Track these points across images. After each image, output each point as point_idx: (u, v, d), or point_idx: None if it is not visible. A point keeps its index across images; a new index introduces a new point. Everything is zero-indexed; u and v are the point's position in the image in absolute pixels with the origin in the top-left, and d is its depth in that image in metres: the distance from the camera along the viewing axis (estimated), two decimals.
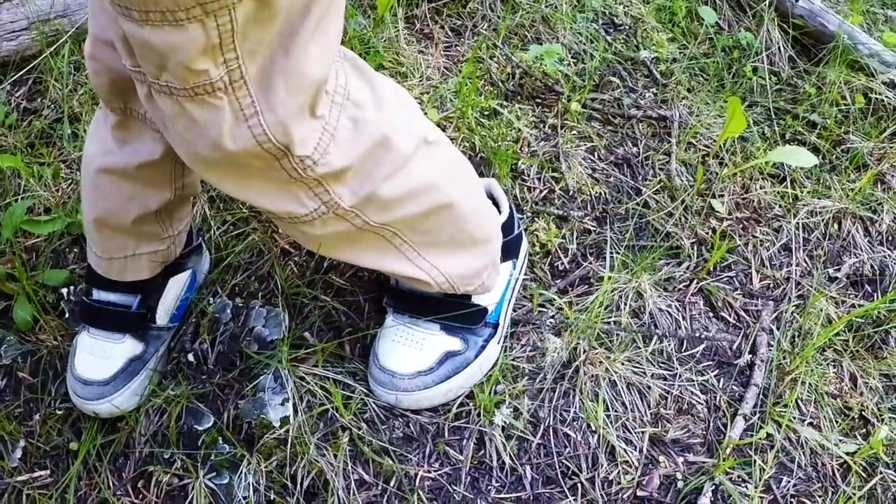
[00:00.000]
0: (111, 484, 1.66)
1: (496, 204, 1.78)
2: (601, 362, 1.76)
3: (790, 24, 2.44)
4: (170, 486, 1.65)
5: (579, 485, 1.66)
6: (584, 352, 1.76)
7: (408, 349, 1.68)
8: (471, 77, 2.12)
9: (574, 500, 1.64)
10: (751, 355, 1.87)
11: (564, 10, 2.36)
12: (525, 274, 1.86)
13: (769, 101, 2.29)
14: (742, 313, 1.93)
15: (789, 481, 1.74)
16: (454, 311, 1.68)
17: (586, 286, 1.90)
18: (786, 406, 1.79)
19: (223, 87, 1.14)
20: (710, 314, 1.92)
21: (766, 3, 2.43)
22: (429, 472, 1.64)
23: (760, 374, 1.83)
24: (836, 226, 2.11)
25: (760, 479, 1.71)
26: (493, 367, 1.73)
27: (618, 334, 1.81)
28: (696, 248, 1.98)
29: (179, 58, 1.09)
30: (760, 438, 1.76)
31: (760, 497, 1.71)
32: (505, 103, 2.16)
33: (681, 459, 1.73)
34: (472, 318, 1.70)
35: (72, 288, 1.84)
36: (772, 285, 1.99)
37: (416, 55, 2.22)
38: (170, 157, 1.54)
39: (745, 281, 1.98)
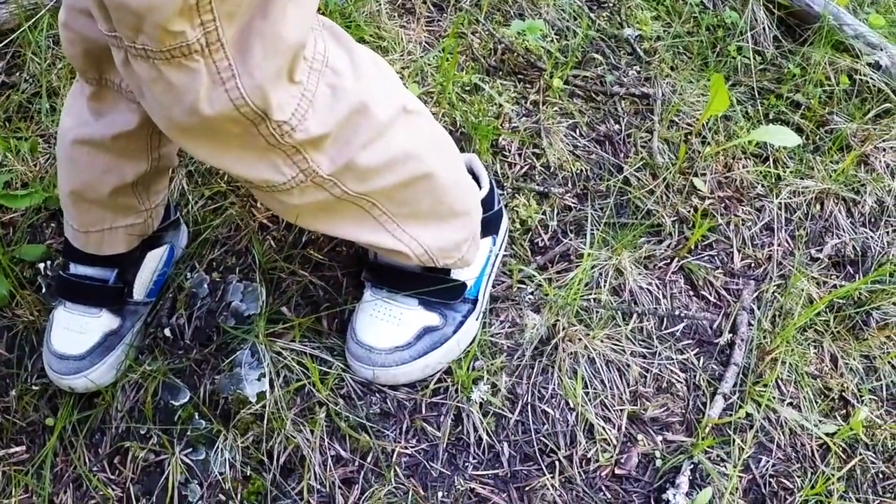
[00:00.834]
0: (87, 460, 1.66)
1: (476, 179, 1.77)
2: (580, 339, 1.75)
3: (775, 4, 2.43)
4: (146, 462, 1.64)
5: (557, 462, 1.66)
6: (564, 329, 1.75)
7: (385, 324, 1.67)
8: (452, 52, 2.11)
9: (552, 477, 1.64)
10: (731, 334, 1.86)
11: None
12: (505, 250, 1.86)
13: (753, 81, 2.29)
14: (723, 292, 1.92)
15: (768, 461, 1.75)
16: (433, 286, 1.67)
17: (566, 263, 1.89)
18: (766, 386, 1.79)
19: (200, 50, 1.13)
20: (691, 292, 1.91)
21: None
22: (406, 448, 1.64)
23: (740, 353, 1.83)
24: (818, 206, 2.11)
25: (739, 459, 1.71)
26: (471, 343, 1.72)
27: (597, 311, 1.80)
28: (677, 227, 1.98)
29: (156, 19, 1.08)
30: (740, 418, 1.76)
31: (739, 476, 1.71)
32: (486, 79, 2.15)
33: (659, 438, 1.72)
34: (450, 294, 1.69)
35: (49, 262, 1.83)
36: (753, 265, 1.98)
37: (397, 30, 2.21)
38: (146, 127, 1.53)
39: (726, 260, 1.98)
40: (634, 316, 1.83)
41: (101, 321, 1.71)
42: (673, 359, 1.80)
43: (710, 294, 1.92)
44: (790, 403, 1.80)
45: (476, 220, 1.68)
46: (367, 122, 1.36)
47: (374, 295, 1.70)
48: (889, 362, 1.91)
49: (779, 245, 2.02)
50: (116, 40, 1.17)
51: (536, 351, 1.74)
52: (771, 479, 1.73)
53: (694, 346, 1.84)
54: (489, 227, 1.76)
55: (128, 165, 1.59)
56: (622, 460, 1.69)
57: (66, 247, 1.71)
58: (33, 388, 1.72)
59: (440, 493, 1.61)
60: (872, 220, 2.13)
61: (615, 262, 1.87)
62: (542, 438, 1.67)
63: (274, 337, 1.70)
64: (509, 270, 1.84)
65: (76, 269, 1.72)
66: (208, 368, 1.69)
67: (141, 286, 1.75)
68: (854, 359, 1.90)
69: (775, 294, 1.93)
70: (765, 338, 1.87)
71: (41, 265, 1.83)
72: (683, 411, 1.76)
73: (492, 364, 1.71)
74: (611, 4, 2.42)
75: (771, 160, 2.14)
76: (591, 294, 1.83)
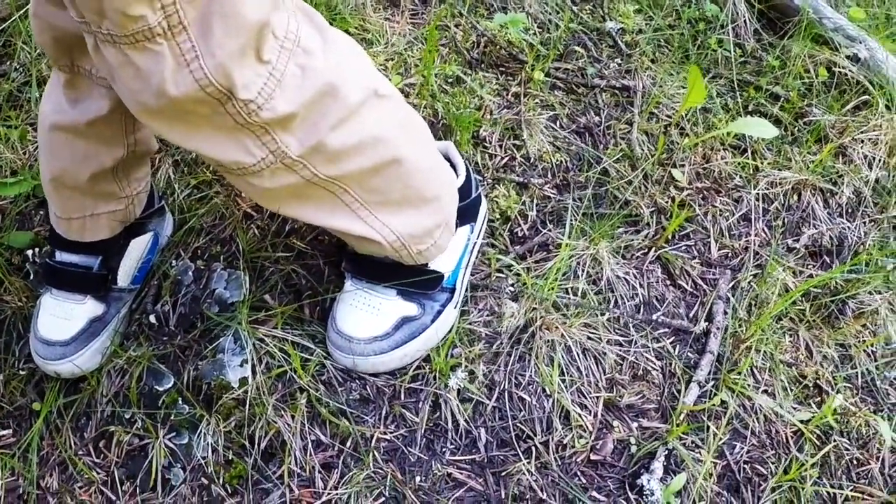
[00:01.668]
0: (73, 444, 1.68)
1: (454, 168, 1.78)
2: (557, 328, 1.77)
3: None
4: (130, 446, 1.67)
5: (533, 448, 1.68)
6: (541, 317, 1.77)
7: (365, 314, 1.69)
8: (433, 43, 2.12)
9: (528, 462, 1.67)
10: (707, 323, 1.88)
11: None
12: (484, 239, 1.88)
13: (733, 74, 2.31)
14: (699, 281, 1.95)
15: (742, 447, 1.77)
16: (410, 278, 1.69)
17: (545, 252, 1.91)
18: (740, 373, 1.81)
19: (162, 33, 1.15)
20: (668, 282, 1.93)
21: None
22: (385, 433, 1.66)
23: (716, 341, 1.85)
24: (795, 197, 2.13)
25: (714, 445, 1.73)
26: (449, 332, 1.75)
27: (574, 300, 1.83)
28: (654, 217, 1.99)
29: (116, 4, 1.11)
30: (714, 405, 1.78)
31: (713, 462, 1.73)
32: (468, 71, 2.17)
33: (635, 424, 1.75)
34: (428, 284, 1.71)
35: (37, 250, 1.85)
36: (730, 254, 2.01)
37: (382, 22, 2.23)
38: (119, 112, 1.56)
39: (703, 250, 2.00)
40: (611, 304, 1.86)
41: (86, 307, 1.73)
42: (649, 347, 1.82)
43: (687, 283, 1.94)
44: (765, 391, 1.82)
45: (448, 206, 1.69)
46: (336, 104, 1.37)
47: (353, 285, 1.72)
48: (864, 351, 1.93)
49: (756, 235, 2.04)
50: (86, 26, 1.19)
51: (514, 339, 1.76)
52: (745, 466, 1.75)
53: (670, 335, 1.86)
54: (466, 215, 1.78)
55: (105, 151, 1.61)
56: (598, 446, 1.71)
57: (52, 234, 1.74)
58: (20, 373, 1.74)
59: (418, 478, 1.63)
60: (849, 210, 2.15)
61: (593, 251, 1.89)
62: (518, 424, 1.70)
63: (256, 324, 1.72)
64: (488, 260, 1.86)
65: (61, 256, 1.74)
66: (192, 354, 1.71)
67: (125, 273, 1.77)
68: (829, 347, 1.92)
69: (751, 283, 1.95)
70: (740, 326, 1.89)
71: (29, 252, 1.85)
72: (659, 398, 1.78)
73: (470, 351, 1.73)
74: None
75: (749, 152, 2.16)
76: (568, 283, 1.85)
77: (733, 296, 1.93)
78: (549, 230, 1.94)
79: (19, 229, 1.89)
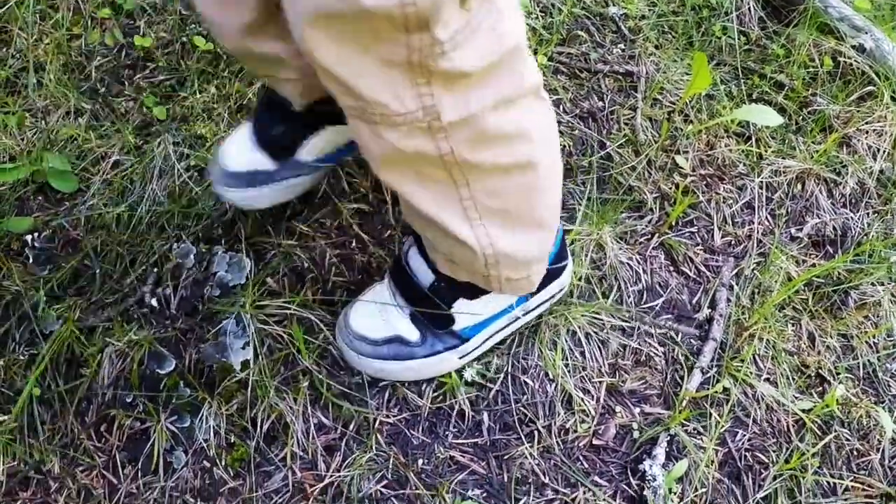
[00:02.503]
0: (75, 428, 1.67)
1: None
2: (561, 313, 1.77)
3: None
4: (132, 430, 1.66)
5: (536, 432, 1.68)
6: None
7: (372, 312, 1.66)
8: None
9: (530, 446, 1.66)
10: (710, 310, 1.88)
11: None
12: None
13: (737, 61, 2.30)
14: (702, 268, 1.94)
15: (744, 435, 1.77)
16: (425, 306, 1.64)
17: None
18: (743, 361, 1.81)
19: None
20: (671, 268, 1.93)
21: None
22: (388, 416, 1.66)
23: (719, 328, 1.84)
24: (799, 186, 2.12)
25: (715, 432, 1.73)
26: (436, 377, 1.71)
27: (578, 285, 1.82)
28: (658, 203, 1.99)
29: None
30: (717, 392, 1.78)
31: (715, 449, 1.73)
32: None
33: (637, 410, 1.74)
34: (435, 321, 1.66)
35: (36, 235, 1.84)
36: (733, 242, 2.00)
37: None
38: None
39: (706, 237, 1.99)
40: (614, 290, 1.85)
41: (256, 157, 1.74)
42: (652, 333, 1.82)
43: (690, 270, 1.93)
44: (767, 379, 1.82)
45: (549, 242, 1.59)
46: (509, 80, 1.28)
47: (384, 287, 1.69)
48: (866, 342, 1.92)
49: (759, 223, 2.04)
50: None
51: None
52: (746, 453, 1.75)
53: (673, 321, 1.85)
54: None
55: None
56: (600, 431, 1.71)
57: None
58: (20, 358, 1.73)
59: (420, 461, 1.63)
60: (853, 201, 2.14)
61: (596, 237, 1.89)
62: (521, 408, 1.70)
63: (259, 307, 1.71)
64: None
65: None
66: (194, 337, 1.71)
67: (311, 148, 1.76)
68: (831, 337, 1.91)
69: (755, 271, 1.95)
70: (743, 314, 1.88)
71: (28, 237, 1.84)
72: (661, 384, 1.78)
73: None
74: None
75: (753, 139, 2.16)
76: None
77: (736, 283, 1.93)
78: None
79: (18, 214, 1.89)
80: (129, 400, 1.67)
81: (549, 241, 1.57)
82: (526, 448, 1.66)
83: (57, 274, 1.80)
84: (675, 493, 1.65)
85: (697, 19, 2.38)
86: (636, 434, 1.72)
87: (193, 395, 1.66)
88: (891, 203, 2.14)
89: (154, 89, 2.05)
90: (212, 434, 1.64)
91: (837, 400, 1.80)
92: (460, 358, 1.69)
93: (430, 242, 1.54)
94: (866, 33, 2.39)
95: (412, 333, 1.65)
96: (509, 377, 1.71)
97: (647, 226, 1.96)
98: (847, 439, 1.80)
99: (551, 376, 1.72)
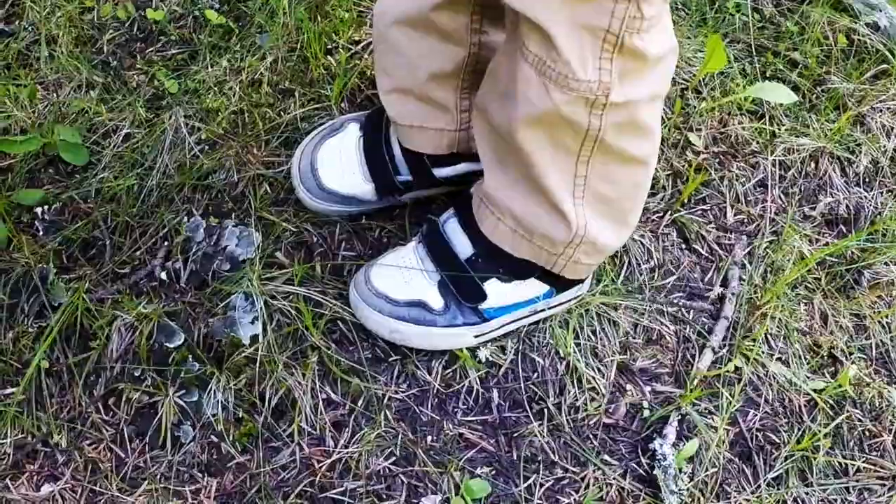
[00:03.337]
0: (83, 401, 1.67)
1: None
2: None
3: None
4: (140, 404, 1.66)
5: (546, 410, 1.68)
6: None
7: (398, 273, 1.64)
8: None
9: (540, 424, 1.66)
10: (722, 288, 1.87)
11: None
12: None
13: (751, 38, 2.28)
14: (715, 246, 1.93)
15: (755, 415, 1.76)
16: (459, 278, 1.63)
17: None
18: (755, 340, 1.80)
19: None
20: (683, 246, 1.92)
21: None
22: (396, 392, 1.66)
23: (731, 307, 1.84)
24: (812, 164, 2.11)
25: (727, 412, 1.73)
26: (449, 350, 1.70)
27: None
28: (671, 181, 1.98)
29: None
30: (728, 371, 1.77)
31: (726, 429, 1.72)
32: None
33: (648, 389, 1.74)
34: (469, 294, 1.64)
35: (46, 207, 1.84)
36: (746, 220, 1.99)
37: None
38: (464, 3, 1.49)
39: (719, 215, 1.98)
40: (626, 268, 1.84)
41: (355, 180, 1.75)
42: (663, 311, 1.82)
43: (703, 248, 1.92)
44: (779, 359, 1.81)
45: (625, 241, 1.65)
46: (663, 78, 1.32)
47: (413, 251, 1.67)
48: (879, 321, 1.91)
49: (772, 202, 2.03)
50: None
51: None
52: (758, 433, 1.74)
53: (684, 299, 1.85)
54: (560, 277, 1.65)
55: (446, 50, 1.55)
56: (610, 409, 1.70)
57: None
58: (29, 330, 1.73)
59: (429, 438, 1.63)
60: (867, 179, 2.12)
61: None
62: (531, 386, 1.69)
63: (268, 281, 1.71)
64: None
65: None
66: (203, 311, 1.71)
67: (416, 195, 1.79)
68: (844, 317, 1.90)
69: (767, 250, 1.94)
70: (755, 293, 1.87)
71: (38, 210, 1.84)
72: (672, 363, 1.77)
73: None
74: None
75: (767, 117, 2.14)
76: None
77: (749, 262, 1.92)
78: None
79: (28, 187, 1.88)
80: (137, 374, 1.66)
81: (626, 237, 1.62)
82: (535, 426, 1.66)
83: (67, 246, 1.80)
84: (685, 473, 1.65)
85: None
86: (647, 413, 1.71)
87: (202, 369, 1.65)
88: None
89: (166, 63, 2.04)
90: (220, 409, 1.63)
91: (850, 380, 1.79)
92: (475, 336, 1.68)
93: (513, 212, 1.53)
94: (881, 11, 2.37)
95: (437, 301, 1.64)
96: (520, 354, 1.71)
97: (659, 203, 1.95)
98: (859, 420, 1.79)
99: (562, 354, 1.72)
